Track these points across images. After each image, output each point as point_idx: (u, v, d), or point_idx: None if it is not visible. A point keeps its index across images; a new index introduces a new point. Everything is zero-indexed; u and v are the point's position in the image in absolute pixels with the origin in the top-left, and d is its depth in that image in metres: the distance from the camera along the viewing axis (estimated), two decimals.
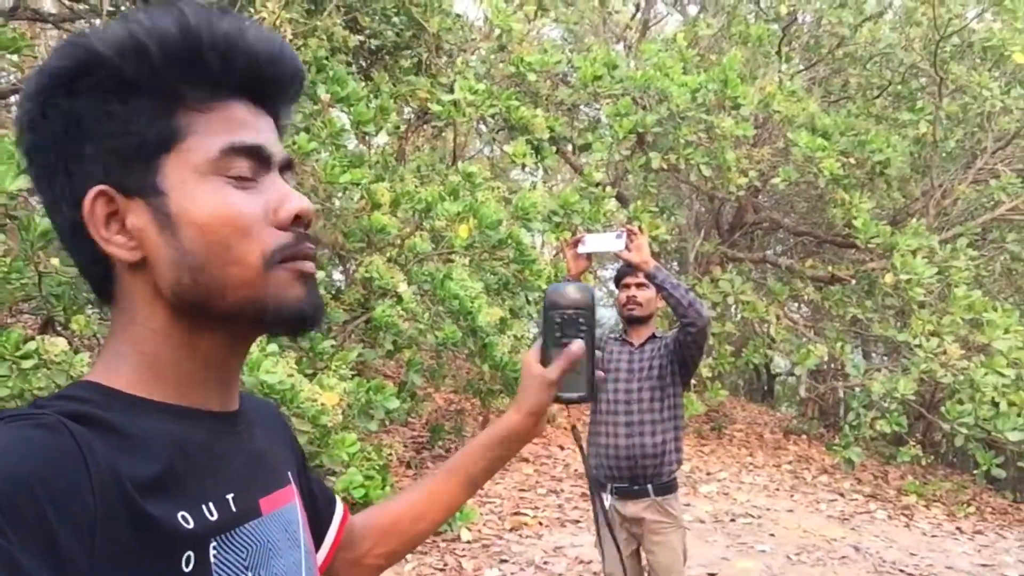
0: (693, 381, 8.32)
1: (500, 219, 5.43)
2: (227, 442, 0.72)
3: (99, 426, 0.61)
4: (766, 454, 8.12)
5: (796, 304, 10.66)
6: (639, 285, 3.23)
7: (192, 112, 0.67)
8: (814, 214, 10.35)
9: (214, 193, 0.67)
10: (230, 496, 0.68)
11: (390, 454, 5.32)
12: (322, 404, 4.31)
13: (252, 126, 0.70)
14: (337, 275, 7.69)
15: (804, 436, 9.20)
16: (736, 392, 15.75)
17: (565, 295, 0.97)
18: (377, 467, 5.01)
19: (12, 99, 6.22)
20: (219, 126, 0.68)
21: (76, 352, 3.87)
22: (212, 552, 0.64)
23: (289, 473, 0.81)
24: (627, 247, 2.97)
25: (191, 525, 0.62)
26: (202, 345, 0.70)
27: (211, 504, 0.65)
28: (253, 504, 0.71)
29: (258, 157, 0.70)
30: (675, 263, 13.93)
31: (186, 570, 0.61)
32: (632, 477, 3.09)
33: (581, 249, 3.06)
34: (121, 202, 0.67)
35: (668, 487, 3.10)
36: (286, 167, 0.74)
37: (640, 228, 3.06)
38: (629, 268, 3.31)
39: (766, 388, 14.74)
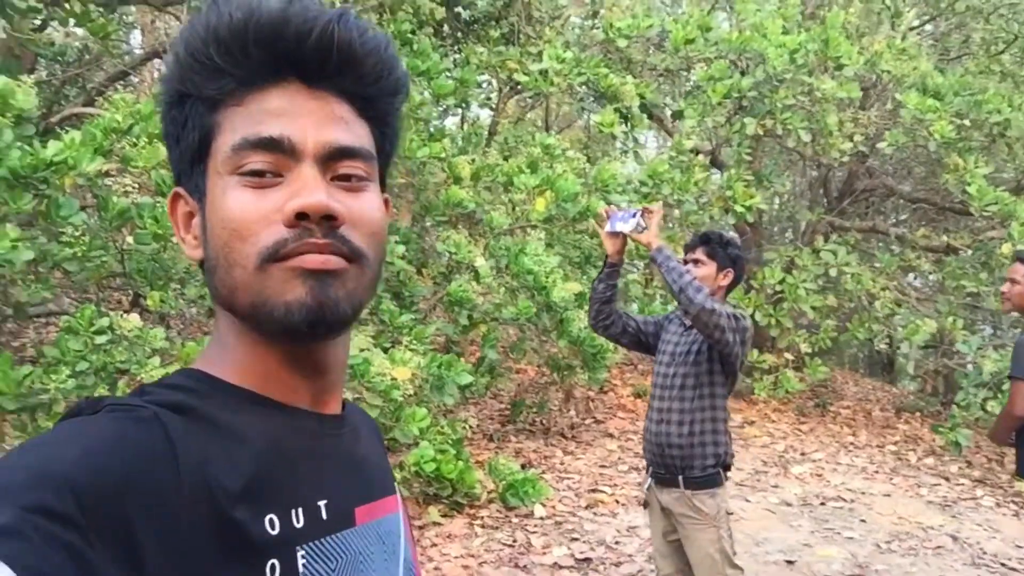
0: (790, 356, 8.00)
1: (576, 191, 5.32)
2: (327, 445, 0.69)
3: (199, 418, 0.60)
4: (871, 433, 7.72)
5: (911, 275, 10.05)
6: (695, 261, 3.08)
7: (229, 108, 0.65)
8: (932, 179, 9.70)
9: (223, 194, 0.63)
10: (322, 503, 0.65)
11: (465, 427, 5.34)
12: (392, 378, 4.36)
13: (285, 115, 0.63)
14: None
15: (918, 414, 8.70)
16: (855, 366, 15.03)
17: None
18: (451, 441, 5.04)
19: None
20: (243, 120, 0.63)
21: (153, 327, 4.06)
22: (301, 561, 0.61)
23: (395, 484, 0.78)
24: (639, 227, 2.93)
25: (276, 531, 0.60)
26: (268, 344, 0.66)
27: (300, 510, 0.62)
28: (347, 513, 0.68)
29: (280, 149, 0.63)
30: (787, 231, 13.38)
31: None
32: (664, 465, 2.98)
33: (608, 228, 2.97)
34: (193, 204, 0.68)
35: (701, 483, 2.90)
36: (340, 156, 0.65)
37: (653, 208, 3.00)
38: (692, 242, 3.18)
39: (886, 361, 13.92)
